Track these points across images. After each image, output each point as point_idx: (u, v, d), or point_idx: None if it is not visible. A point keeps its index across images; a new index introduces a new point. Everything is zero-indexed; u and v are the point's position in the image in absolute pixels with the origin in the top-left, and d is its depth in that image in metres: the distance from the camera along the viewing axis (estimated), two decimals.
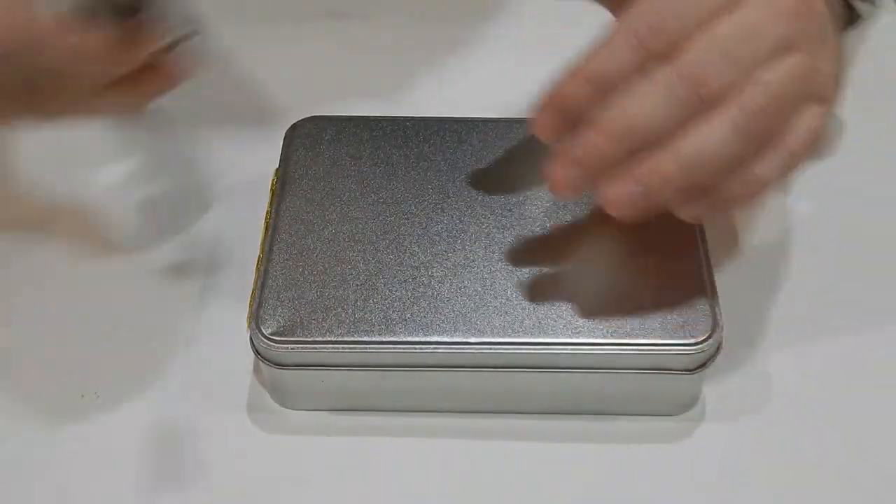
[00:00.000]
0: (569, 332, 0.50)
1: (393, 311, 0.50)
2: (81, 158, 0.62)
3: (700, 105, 0.45)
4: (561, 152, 0.47)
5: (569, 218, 0.54)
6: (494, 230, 0.53)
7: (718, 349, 0.50)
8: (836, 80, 0.48)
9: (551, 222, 0.54)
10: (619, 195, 0.46)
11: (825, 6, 0.48)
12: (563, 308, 0.50)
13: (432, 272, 0.52)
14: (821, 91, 0.47)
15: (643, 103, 0.45)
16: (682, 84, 0.45)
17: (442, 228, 0.54)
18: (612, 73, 0.46)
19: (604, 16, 0.69)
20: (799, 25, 0.46)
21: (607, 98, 0.46)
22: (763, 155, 0.46)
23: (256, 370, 0.53)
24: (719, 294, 0.51)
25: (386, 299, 0.51)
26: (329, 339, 0.50)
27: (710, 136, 0.45)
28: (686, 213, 0.48)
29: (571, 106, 0.47)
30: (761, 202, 0.48)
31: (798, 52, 0.46)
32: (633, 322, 0.50)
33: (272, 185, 0.56)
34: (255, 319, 0.50)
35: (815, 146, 0.48)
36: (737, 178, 0.46)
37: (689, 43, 0.45)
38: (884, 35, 0.67)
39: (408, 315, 0.50)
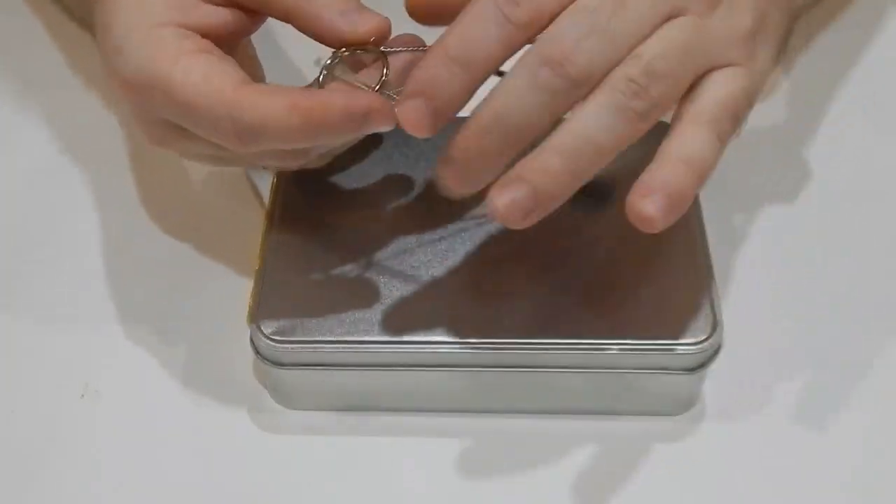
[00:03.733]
0: (569, 332, 0.50)
1: (393, 311, 0.50)
2: (81, 157, 0.63)
3: (572, 88, 0.42)
4: (441, 151, 0.45)
5: (569, 218, 0.54)
6: (494, 230, 0.53)
7: (718, 349, 0.50)
8: (750, 36, 0.45)
9: (551, 222, 0.54)
10: (507, 204, 0.43)
11: None
12: (563, 308, 0.50)
13: (432, 272, 0.52)
14: (720, 55, 0.44)
15: (509, 90, 0.43)
16: (546, 65, 0.42)
17: (442, 228, 0.54)
18: (478, 52, 0.43)
19: None
20: None
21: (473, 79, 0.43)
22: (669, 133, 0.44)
23: (256, 370, 0.53)
24: (719, 294, 0.51)
25: (386, 299, 0.51)
26: (329, 339, 0.50)
27: (589, 122, 0.43)
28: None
29: (442, 93, 0.43)
30: (698, 185, 0.45)
31: (682, 14, 0.43)
32: (633, 322, 0.50)
33: (272, 185, 0.56)
34: (255, 319, 0.50)
35: (732, 114, 0.45)
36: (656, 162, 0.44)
37: (554, 16, 0.43)
38: (885, 34, 0.67)
39: (408, 315, 0.50)
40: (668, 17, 0.44)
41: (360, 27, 0.47)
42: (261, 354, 0.50)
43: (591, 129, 0.43)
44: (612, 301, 0.51)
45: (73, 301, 0.56)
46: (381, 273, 0.52)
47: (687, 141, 0.44)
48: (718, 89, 0.45)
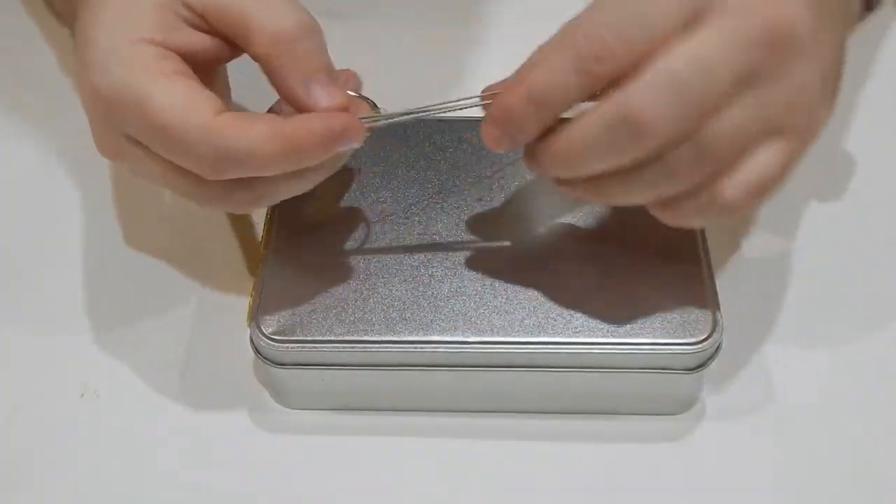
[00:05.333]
0: (569, 332, 0.50)
1: (393, 311, 0.50)
2: (81, 158, 0.62)
3: (640, 145, 0.43)
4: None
5: (569, 218, 0.54)
6: (494, 230, 0.53)
7: (718, 349, 0.50)
8: (810, 108, 0.45)
9: (551, 222, 0.54)
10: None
11: (812, 16, 0.44)
12: (563, 308, 0.50)
13: (432, 272, 0.52)
14: (783, 124, 0.44)
15: (583, 136, 0.44)
16: (624, 125, 0.43)
17: (442, 228, 0.54)
18: (555, 97, 0.44)
19: None
20: (764, 56, 0.43)
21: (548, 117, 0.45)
22: (713, 187, 0.45)
23: (256, 370, 0.53)
24: (719, 294, 0.51)
25: (386, 299, 0.51)
26: (329, 338, 0.50)
27: (647, 182, 0.45)
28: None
29: (517, 125, 0.45)
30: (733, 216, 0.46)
31: (758, 88, 0.43)
32: (633, 322, 0.50)
33: None
34: (255, 319, 0.50)
35: (775, 181, 0.46)
36: (693, 202, 0.45)
37: (636, 72, 0.43)
38: (886, 32, 0.67)
39: (408, 315, 0.50)
40: (744, 87, 0.43)
41: (320, 103, 0.47)
42: (261, 354, 0.50)
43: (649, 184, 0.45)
44: (613, 301, 0.50)
45: (73, 301, 0.56)
46: (381, 273, 0.52)
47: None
48: (760, 168, 0.45)
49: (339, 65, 0.68)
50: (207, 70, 0.49)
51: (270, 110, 0.50)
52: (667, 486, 0.50)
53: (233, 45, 0.49)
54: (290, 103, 0.47)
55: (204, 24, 0.48)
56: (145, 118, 0.45)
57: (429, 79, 0.66)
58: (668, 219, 0.47)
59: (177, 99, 0.45)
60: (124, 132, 0.47)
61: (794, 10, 0.43)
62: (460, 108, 0.48)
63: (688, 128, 0.43)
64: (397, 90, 0.65)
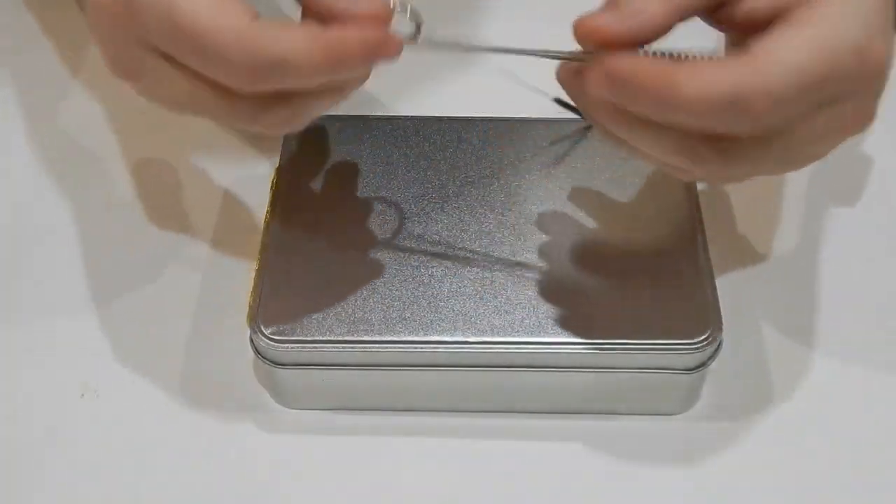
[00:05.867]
0: (569, 332, 0.50)
1: (393, 311, 0.50)
2: (81, 157, 0.63)
3: (744, 127, 0.43)
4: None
5: (569, 217, 0.54)
6: (494, 230, 0.53)
7: (718, 349, 0.50)
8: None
9: (551, 222, 0.54)
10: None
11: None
12: (563, 308, 0.50)
13: (432, 272, 0.52)
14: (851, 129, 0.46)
15: (692, 93, 0.41)
16: (738, 107, 0.41)
17: (442, 228, 0.54)
18: (687, 107, 0.41)
19: None
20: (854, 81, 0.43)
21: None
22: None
23: (256, 370, 0.53)
24: (719, 294, 0.51)
25: (386, 299, 0.51)
26: (329, 338, 0.50)
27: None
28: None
29: (630, 94, 0.42)
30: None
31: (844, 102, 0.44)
32: (634, 322, 0.50)
33: (272, 184, 0.56)
34: (255, 319, 0.50)
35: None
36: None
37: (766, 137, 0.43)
38: None
39: (408, 315, 0.50)
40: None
41: (362, 5, 0.43)
42: (261, 354, 0.50)
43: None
44: (612, 301, 0.51)
45: (73, 301, 0.56)
46: (381, 273, 0.52)
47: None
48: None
49: None
50: None
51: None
52: (667, 485, 0.50)
53: None
54: (328, 12, 0.43)
55: None
56: (174, 22, 0.42)
57: (429, 79, 0.66)
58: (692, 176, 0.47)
59: (208, 3, 0.42)
60: (146, 42, 0.43)
61: (892, 50, 0.44)
62: (530, 54, 0.45)
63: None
64: (398, 90, 0.65)
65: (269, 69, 0.42)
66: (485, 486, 0.50)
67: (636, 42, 0.43)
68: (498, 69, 0.55)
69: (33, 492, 0.50)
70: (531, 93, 0.55)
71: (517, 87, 0.65)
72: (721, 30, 0.46)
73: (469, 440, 0.51)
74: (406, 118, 0.59)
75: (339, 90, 0.45)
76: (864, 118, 0.45)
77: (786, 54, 0.41)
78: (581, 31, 0.43)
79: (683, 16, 0.44)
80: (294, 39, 0.42)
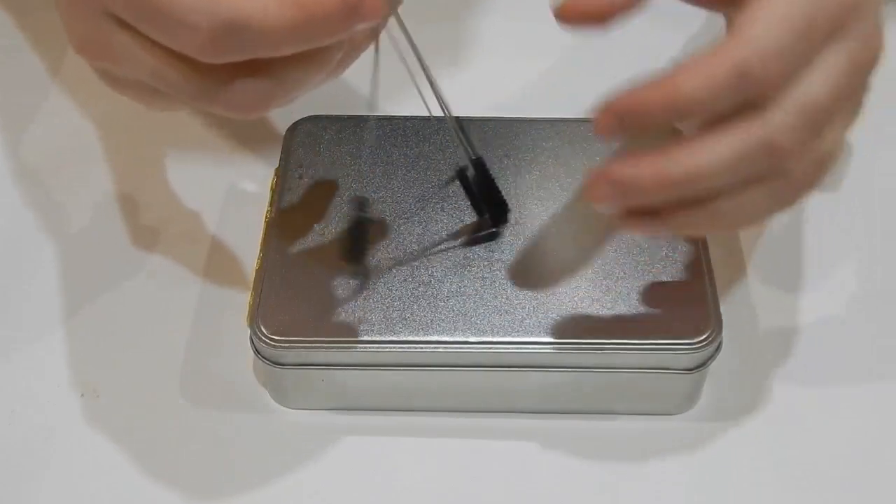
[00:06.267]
0: (569, 332, 0.50)
1: (393, 311, 0.50)
2: (80, 157, 0.62)
3: (765, 169, 0.42)
4: (606, 165, 0.42)
5: (569, 217, 0.54)
6: (494, 231, 0.53)
7: (718, 349, 0.50)
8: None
9: (552, 222, 0.54)
10: (641, 229, 0.44)
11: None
12: (564, 307, 0.50)
13: (432, 272, 0.52)
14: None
15: (715, 156, 0.41)
16: (762, 150, 0.41)
17: (442, 228, 0.54)
18: (701, 100, 0.41)
19: None
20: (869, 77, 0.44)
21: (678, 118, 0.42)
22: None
23: (256, 370, 0.53)
24: (719, 294, 0.51)
25: (386, 299, 0.51)
26: (329, 338, 0.50)
27: (752, 203, 0.43)
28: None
29: (640, 119, 0.42)
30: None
31: (859, 105, 0.45)
32: (633, 322, 0.50)
33: (272, 184, 0.56)
34: (255, 319, 0.50)
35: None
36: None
37: (782, 97, 0.42)
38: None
39: (408, 315, 0.50)
40: (854, 107, 0.45)
41: None
42: (261, 354, 0.50)
43: (748, 210, 0.44)
44: (613, 301, 0.51)
45: (73, 301, 0.56)
46: (381, 273, 0.52)
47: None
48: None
49: None
50: None
51: None
52: (667, 486, 0.50)
53: None
54: None
55: None
56: None
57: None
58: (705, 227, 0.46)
59: None
60: (109, 12, 0.40)
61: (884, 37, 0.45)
62: None
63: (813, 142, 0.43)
64: (398, 90, 0.65)
65: (230, 32, 0.38)
66: (485, 486, 0.50)
67: (612, 15, 0.42)
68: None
69: (33, 492, 0.50)
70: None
71: (517, 87, 0.65)
72: (700, 6, 0.46)
73: (469, 440, 0.51)
74: (406, 118, 0.59)
75: (319, 62, 0.41)
76: (871, 45, 0.44)
77: (767, 12, 0.41)
78: (565, 11, 0.42)
79: None
80: None
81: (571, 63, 0.66)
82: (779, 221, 0.59)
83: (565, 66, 0.67)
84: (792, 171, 0.43)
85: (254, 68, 0.40)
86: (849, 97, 0.44)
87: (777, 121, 0.41)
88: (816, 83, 0.42)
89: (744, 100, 0.41)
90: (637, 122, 0.42)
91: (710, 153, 0.41)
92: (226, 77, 0.40)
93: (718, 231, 0.45)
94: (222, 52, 0.39)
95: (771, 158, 0.42)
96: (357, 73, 0.68)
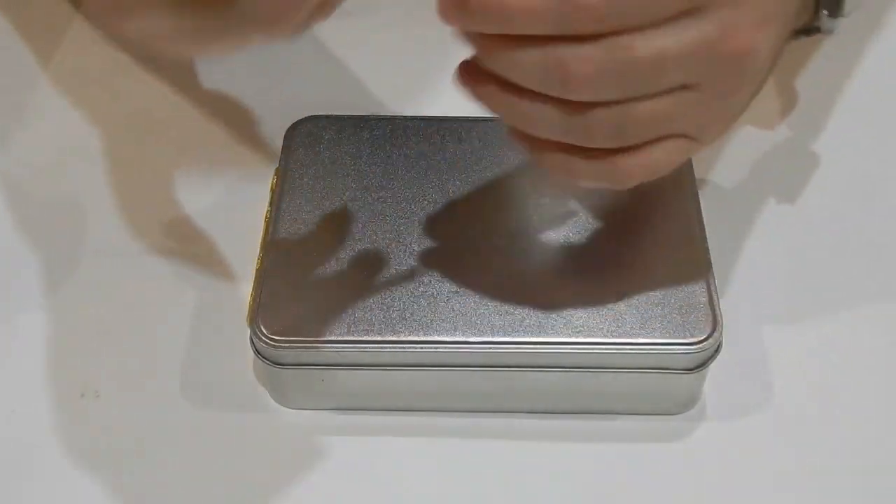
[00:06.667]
0: (569, 332, 0.50)
1: (393, 311, 0.50)
2: (80, 157, 0.63)
3: (566, 93, 0.42)
4: None
5: (569, 217, 0.54)
6: (494, 230, 0.53)
7: (718, 349, 0.50)
8: (728, 125, 0.46)
9: (551, 222, 0.54)
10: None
11: (771, 48, 0.44)
12: (563, 307, 0.50)
13: (432, 272, 0.52)
14: (702, 131, 0.45)
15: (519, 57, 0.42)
16: (557, 73, 0.42)
17: (442, 228, 0.53)
18: (524, 20, 0.41)
19: None
20: (715, 71, 0.43)
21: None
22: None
23: (256, 370, 0.53)
24: (719, 293, 0.51)
25: (386, 299, 0.51)
26: (329, 338, 0.50)
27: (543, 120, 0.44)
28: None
29: (468, 17, 0.42)
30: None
31: (696, 93, 0.43)
32: (633, 322, 0.50)
33: (272, 184, 0.56)
34: (255, 319, 0.50)
35: (665, 171, 0.46)
36: (589, 162, 0.45)
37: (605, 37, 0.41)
38: (886, 31, 0.67)
39: (408, 315, 0.50)
40: (684, 88, 0.43)
41: None
42: (261, 354, 0.50)
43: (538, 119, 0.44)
44: (612, 301, 0.50)
45: (73, 301, 0.56)
46: (381, 273, 0.52)
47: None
48: (661, 158, 0.45)
49: (340, 65, 0.69)
50: None
51: None
52: (667, 486, 0.50)
53: None
54: None
55: None
56: None
57: (429, 78, 0.66)
58: (555, 169, 0.46)
59: None
60: None
61: (762, 42, 0.44)
62: None
63: (617, 99, 0.43)
64: (398, 89, 0.66)
65: None
66: (485, 486, 0.50)
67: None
68: None
69: (33, 492, 0.50)
70: None
71: None
72: None
73: (469, 440, 0.51)
74: (406, 118, 0.59)
75: None
76: (732, 37, 0.43)
77: None
78: None
79: None
80: None
81: None
82: (779, 221, 0.59)
83: None
84: (588, 112, 0.43)
85: None
86: (692, 81, 0.43)
87: (583, 50, 0.41)
88: (647, 41, 0.42)
89: (566, 28, 0.41)
90: (466, 18, 0.42)
91: (527, 21, 0.41)
92: None
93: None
94: None
95: (560, 77, 0.42)
96: (357, 73, 0.68)
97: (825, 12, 0.51)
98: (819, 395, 0.53)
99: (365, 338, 0.50)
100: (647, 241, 0.53)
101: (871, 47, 0.67)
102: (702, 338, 0.49)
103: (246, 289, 0.52)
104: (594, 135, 0.44)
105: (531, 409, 0.52)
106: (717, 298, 0.51)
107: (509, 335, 0.50)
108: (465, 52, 0.65)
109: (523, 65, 0.43)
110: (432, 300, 0.51)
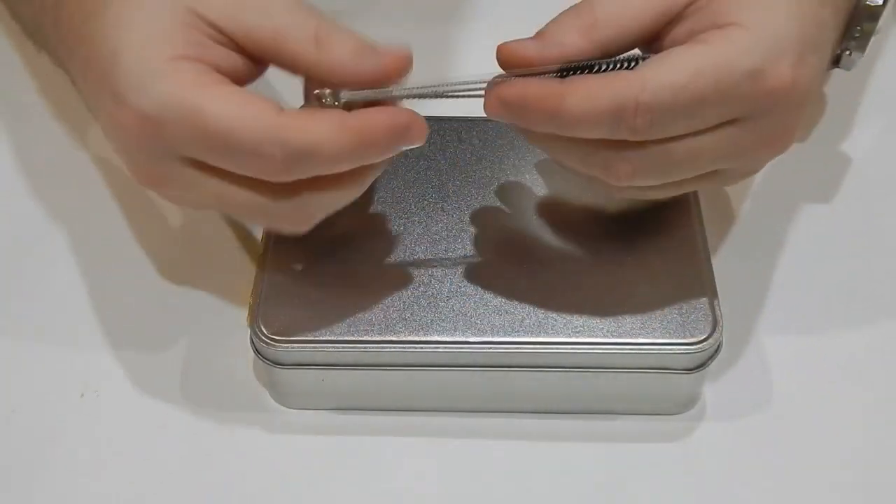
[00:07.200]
0: (569, 332, 0.50)
1: (393, 311, 0.50)
2: (79, 158, 0.62)
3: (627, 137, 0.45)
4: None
5: (569, 217, 0.54)
6: (494, 230, 0.53)
7: (718, 349, 0.50)
8: (767, 161, 0.49)
9: (552, 222, 0.54)
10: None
11: (813, 82, 0.47)
12: (563, 307, 0.50)
13: (432, 272, 0.52)
14: (741, 168, 0.49)
15: (579, 111, 0.45)
16: (620, 124, 0.44)
17: (442, 228, 0.54)
18: (578, 129, 0.45)
19: None
20: (760, 110, 0.46)
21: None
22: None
23: (256, 370, 0.53)
24: (719, 293, 0.51)
25: (386, 299, 0.51)
26: (329, 338, 0.50)
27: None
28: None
29: (522, 116, 0.46)
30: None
31: (741, 129, 0.46)
32: (633, 322, 0.50)
33: None
34: (255, 319, 0.50)
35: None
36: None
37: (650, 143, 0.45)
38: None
39: (408, 315, 0.50)
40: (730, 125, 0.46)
41: (387, 59, 0.46)
42: (261, 354, 0.50)
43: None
44: (612, 301, 0.50)
45: (74, 301, 0.56)
46: (381, 273, 0.52)
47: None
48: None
49: None
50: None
51: (305, 98, 0.48)
52: (667, 486, 0.50)
53: (258, 61, 0.47)
54: (357, 80, 0.45)
55: (231, 43, 0.46)
56: (205, 128, 0.44)
57: (429, 78, 0.66)
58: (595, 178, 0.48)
59: (233, 103, 0.44)
60: (176, 153, 0.45)
61: (808, 76, 0.46)
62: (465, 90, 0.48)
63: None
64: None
65: (302, 157, 0.44)
66: (485, 486, 0.50)
67: (552, 62, 0.46)
68: None
69: (33, 492, 0.50)
70: None
71: None
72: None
73: (469, 440, 0.51)
74: None
75: (363, 176, 0.47)
76: (780, 138, 0.47)
77: (664, 72, 0.44)
78: (502, 54, 0.46)
79: (606, 51, 0.46)
80: (323, 127, 0.44)
81: None
82: (779, 221, 0.59)
83: None
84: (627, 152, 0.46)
85: (315, 184, 0.45)
86: (748, 170, 0.49)
87: (626, 154, 0.46)
88: (688, 144, 0.46)
89: (616, 135, 0.45)
90: (519, 117, 0.46)
91: (578, 103, 0.44)
92: (289, 193, 0.46)
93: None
94: (292, 172, 0.44)
95: (602, 170, 0.46)
96: None
97: (848, 52, 0.54)
98: (819, 395, 0.53)
99: (365, 338, 0.50)
100: (647, 241, 0.53)
101: (872, 47, 0.67)
102: (702, 338, 0.49)
103: (246, 289, 0.52)
104: (636, 180, 0.47)
105: (531, 409, 0.52)
106: (717, 298, 0.51)
107: (509, 335, 0.50)
108: (465, 51, 0.65)
109: (568, 155, 0.47)
110: (432, 300, 0.51)
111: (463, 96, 0.47)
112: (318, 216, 0.48)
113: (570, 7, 0.47)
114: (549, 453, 0.51)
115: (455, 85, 0.47)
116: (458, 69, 0.67)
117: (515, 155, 0.57)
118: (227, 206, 0.47)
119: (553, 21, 0.47)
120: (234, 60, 0.46)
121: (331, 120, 0.44)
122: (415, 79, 0.68)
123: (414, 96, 0.47)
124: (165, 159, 0.46)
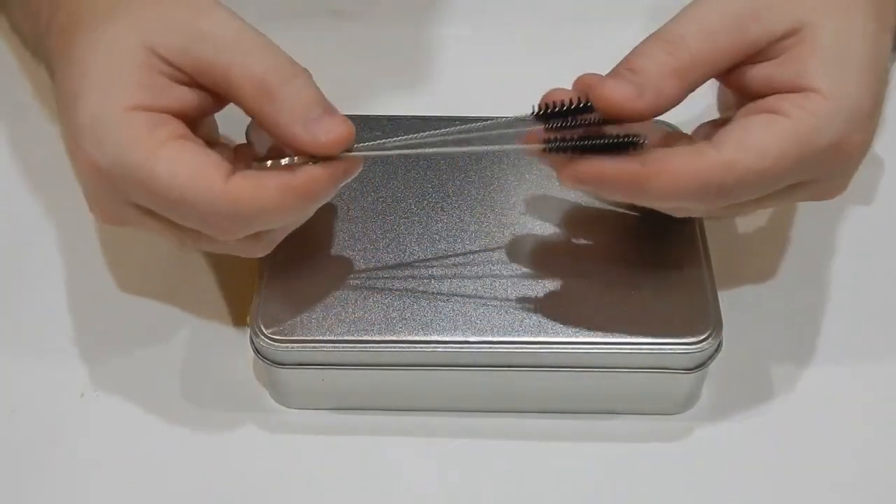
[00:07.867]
0: (569, 332, 0.50)
1: (393, 311, 0.50)
2: None
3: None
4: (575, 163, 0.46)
5: (569, 217, 0.54)
6: (494, 230, 0.53)
7: (718, 348, 0.50)
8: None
9: (551, 222, 0.54)
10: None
11: (871, 133, 0.48)
12: (563, 307, 0.50)
13: (432, 272, 0.52)
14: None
15: (675, 187, 0.46)
16: (713, 195, 0.46)
17: (442, 228, 0.54)
18: (666, 203, 0.47)
19: (602, 14, 0.69)
20: (828, 171, 0.47)
21: None
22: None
23: (256, 370, 0.53)
24: (719, 293, 0.51)
25: (386, 299, 0.51)
26: (329, 338, 0.50)
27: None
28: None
29: (600, 190, 0.47)
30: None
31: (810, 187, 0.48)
32: (633, 322, 0.50)
33: None
34: (255, 319, 0.50)
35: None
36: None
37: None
38: None
39: (408, 314, 0.50)
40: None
41: (322, 137, 0.45)
42: (261, 354, 0.50)
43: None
44: (612, 301, 0.51)
45: (73, 301, 0.56)
46: (381, 273, 0.52)
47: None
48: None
49: (340, 65, 0.69)
50: (196, 121, 0.48)
51: (247, 135, 0.50)
52: (667, 486, 0.50)
53: (218, 97, 0.48)
54: (291, 147, 0.46)
55: (188, 79, 0.47)
56: (155, 192, 0.45)
57: (429, 78, 0.66)
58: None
59: (183, 169, 0.45)
60: (130, 201, 0.47)
61: (873, 133, 0.48)
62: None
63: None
64: (398, 89, 0.66)
65: (249, 222, 0.46)
66: (485, 486, 0.50)
67: (650, 117, 0.46)
68: None
69: (33, 492, 0.50)
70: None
71: (517, 87, 0.65)
72: (732, 91, 0.50)
73: (469, 440, 0.51)
74: (406, 118, 0.59)
75: (310, 210, 0.48)
76: (837, 191, 0.49)
77: (751, 159, 0.45)
78: (601, 102, 0.45)
79: (694, 89, 0.47)
80: (269, 193, 0.45)
81: (572, 63, 0.66)
82: (779, 221, 0.59)
83: (566, 66, 0.67)
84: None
85: (258, 233, 0.48)
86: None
87: (701, 208, 0.49)
88: (758, 205, 0.48)
89: (695, 207, 0.48)
90: (596, 191, 0.48)
91: (662, 199, 0.46)
92: (239, 241, 0.48)
93: None
94: (237, 235, 0.47)
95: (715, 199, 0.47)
96: (357, 72, 0.68)
97: None
98: (818, 395, 0.53)
99: (365, 338, 0.50)
100: (647, 240, 0.53)
101: None
102: (702, 338, 0.49)
103: (246, 289, 0.52)
104: (694, 214, 0.51)
105: (531, 409, 0.52)
106: (717, 298, 0.51)
107: (509, 335, 0.50)
108: (465, 51, 0.65)
109: (670, 202, 0.47)
110: (432, 300, 0.51)
111: (476, 148, 0.49)
112: (274, 244, 0.50)
113: (659, 40, 0.46)
114: (549, 453, 0.51)
115: (465, 132, 0.48)
116: (458, 69, 0.67)
117: (516, 155, 0.57)
118: (184, 244, 0.50)
119: (646, 56, 0.46)
120: (193, 97, 0.47)
121: (274, 185, 0.45)
122: (416, 79, 0.68)
123: (418, 152, 0.48)
124: (119, 202, 0.47)
